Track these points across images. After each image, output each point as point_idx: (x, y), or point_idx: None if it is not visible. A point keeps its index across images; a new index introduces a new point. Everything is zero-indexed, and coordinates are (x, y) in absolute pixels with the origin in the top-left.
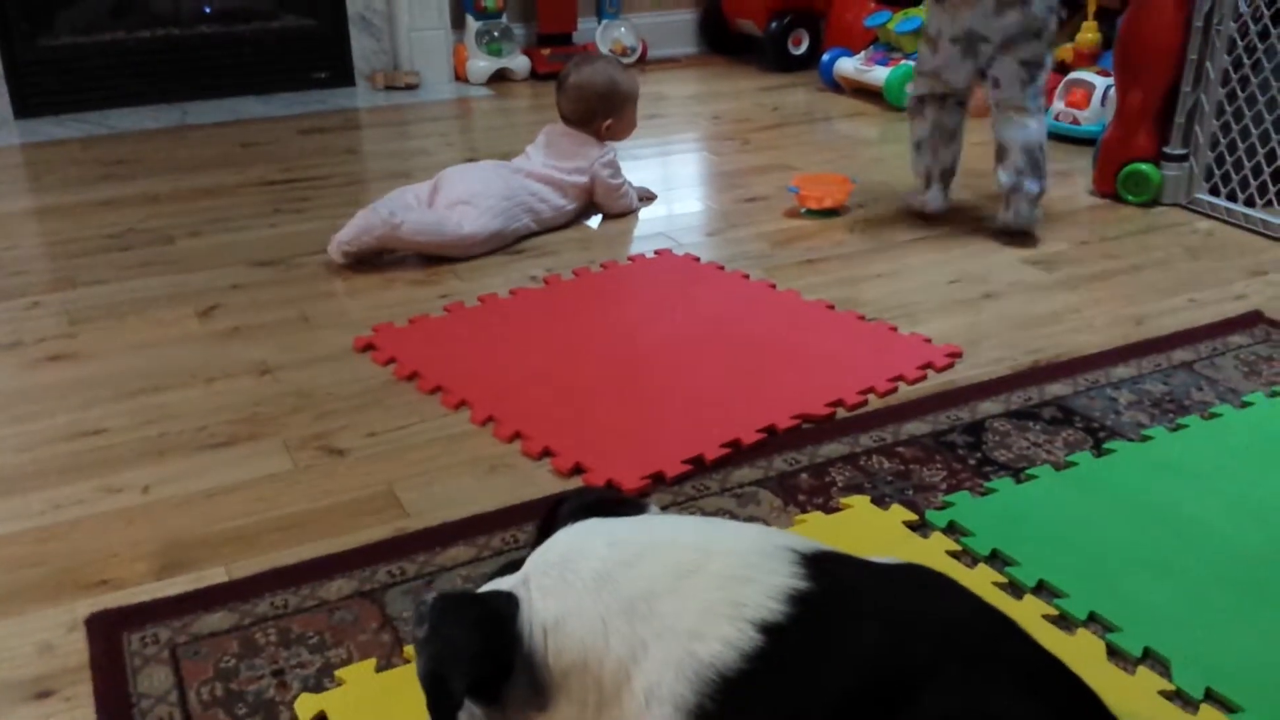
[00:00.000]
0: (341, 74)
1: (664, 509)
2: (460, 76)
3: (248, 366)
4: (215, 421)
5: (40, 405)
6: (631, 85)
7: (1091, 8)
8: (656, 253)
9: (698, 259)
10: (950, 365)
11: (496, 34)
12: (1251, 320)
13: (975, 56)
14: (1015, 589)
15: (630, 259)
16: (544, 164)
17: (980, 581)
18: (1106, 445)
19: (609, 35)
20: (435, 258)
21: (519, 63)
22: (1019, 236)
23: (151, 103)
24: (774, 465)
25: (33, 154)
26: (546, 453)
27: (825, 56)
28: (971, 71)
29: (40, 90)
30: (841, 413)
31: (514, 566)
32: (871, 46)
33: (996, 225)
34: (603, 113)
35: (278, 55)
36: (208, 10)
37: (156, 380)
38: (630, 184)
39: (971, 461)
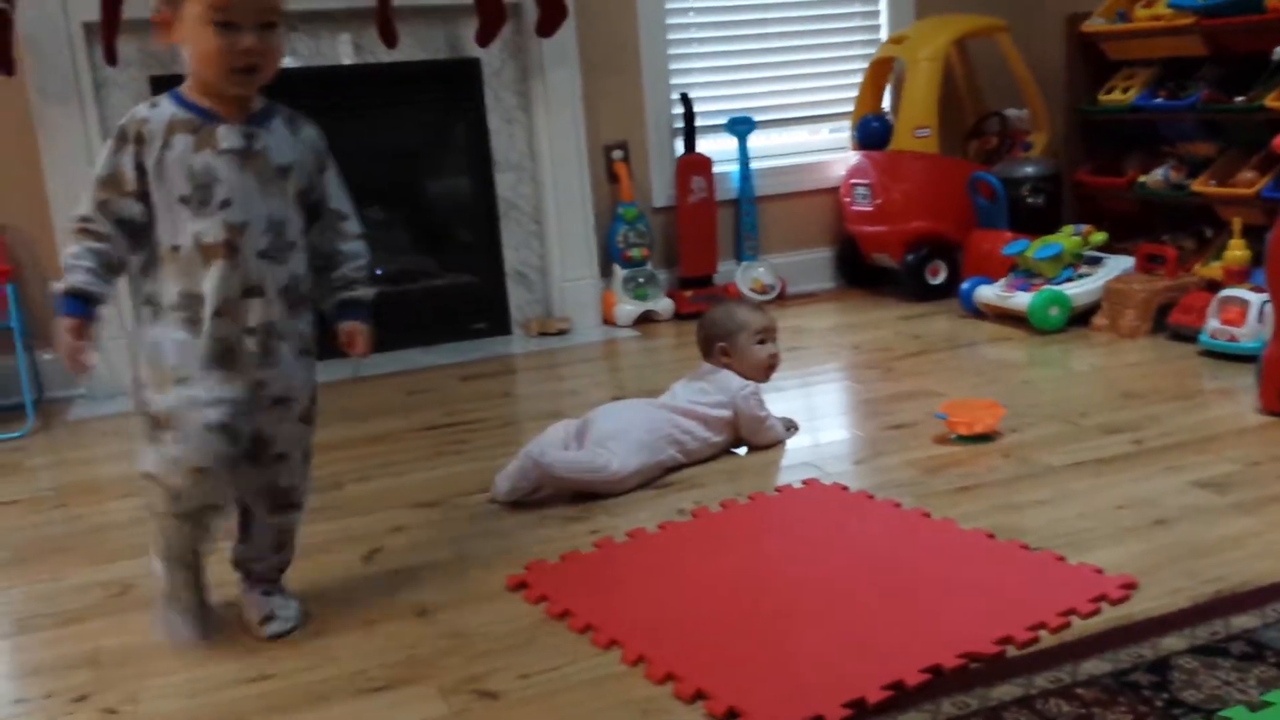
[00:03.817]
0: (499, 324)
1: None
2: (608, 320)
3: (406, 608)
4: (374, 665)
5: (210, 651)
6: (746, 316)
7: (1237, 226)
8: (804, 482)
9: (846, 488)
10: (1126, 597)
11: (642, 280)
12: None
13: None
14: None
15: (778, 489)
16: (687, 399)
17: None
18: None
19: (748, 275)
20: (585, 494)
21: (663, 305)
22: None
23: (326, 358)
24: (942, 710)
25: None
26: (699, 695)
27: (965, 284)
28: None
29: None
30: (1011, 651)
31: None
32: (1011, 273)
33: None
34: (715, 338)
35: (442, 310)
36: (379, 272)
37: (320, 624)
38: (774, 416)
39: (1159, 703)
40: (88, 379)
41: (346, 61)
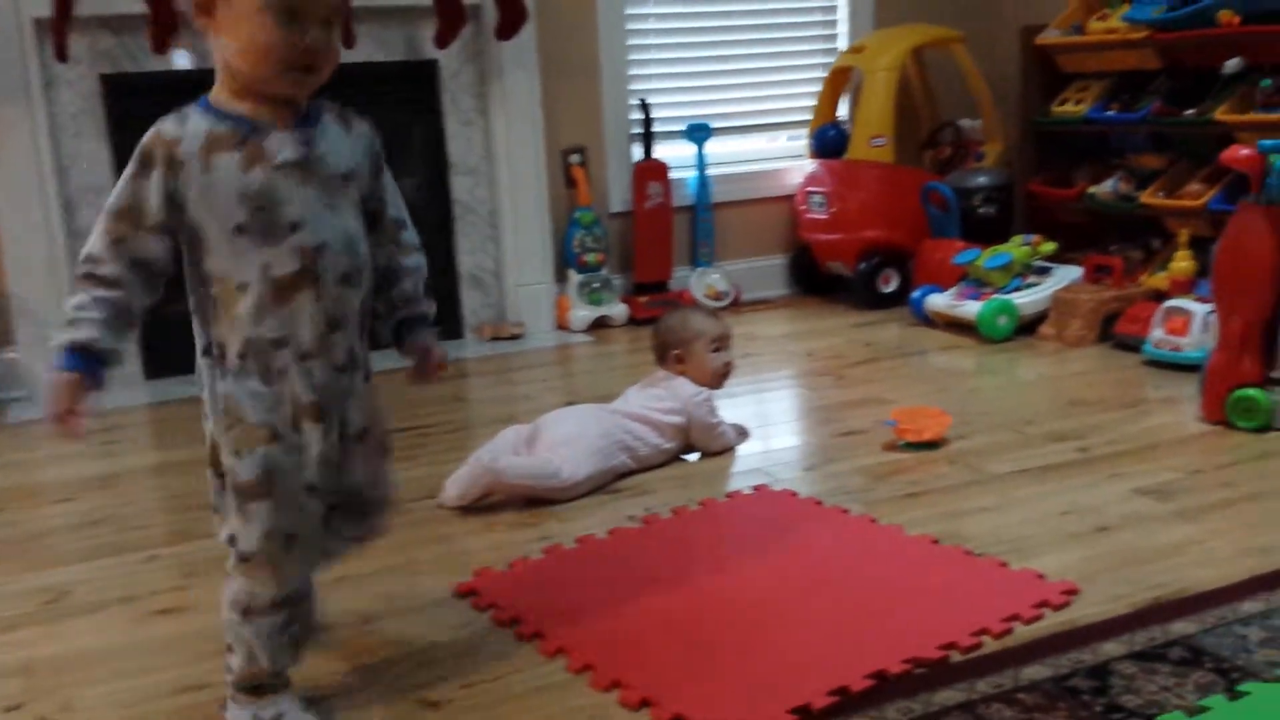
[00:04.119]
0: (451, 327)
1: None
2: (562, 325)
3: (350, 615)
4: (316, 674)
5: (149, 659)
6: (702, 324)
7: (1183, 238)
8: (755, 489)
9: (796, 494)
10: (1067, 603)
11: (597, 285)
12: None
13: None
14: None
15: (728, 495)
16: (640, 405)
17: None
18: (1240, 688)
19: (703, 281)
20: (536, 500)
21: (618, 310)
22: None
23: None
24: (886, 715)
25: (159, 412)
26: (645, 703)
27: (916, 293)
28: None
29: (171, 352)
30: (955, 656)
31: None
32: (962, 282)
33: None
34: (670, 345)
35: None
36: None
37: None
38: (725, 423)
39: (1098, 708)
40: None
41: None
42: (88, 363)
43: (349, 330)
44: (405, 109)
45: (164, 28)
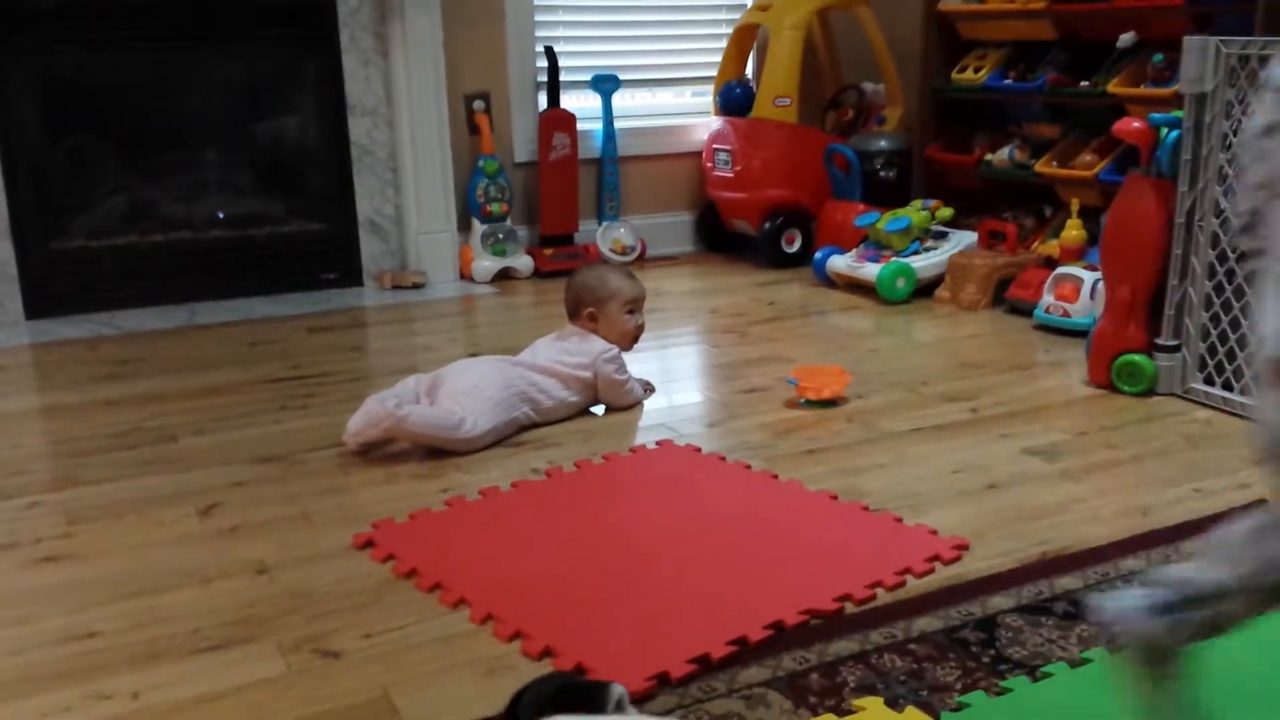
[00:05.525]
0: (350, 275)
1: (670, 712)
2: (465, 275)
3: (245, 566)
4: (209, 624)
5: (34, 608)
6: (619, 284)
7: (1075, 206)
8: (658, 444)
9: (699, 450)
10: (958, 558)
11: (501, 236)
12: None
13: None
14: None
15: (632, 450)
16: (549, 357)
17: None
18: None
19: (609, 235)
20: (437, 450)
21: (523, 262)
22: None
23: (161, 304)
24: (783, 664)
25: (41, 354)
26: (547, 652)
27: (818, 254)
28: None
29: (52, 292)
30: (850, 607)
31: None
32: (862, 244)
33: None
34: (585, 303)
35: (288, 258)
36: (221, 215)
37: (152, 581)
38: (634, 379)
39: (985, 659)
40: None
41: None
42: None
43: None
44: (299, 45)
45: None
